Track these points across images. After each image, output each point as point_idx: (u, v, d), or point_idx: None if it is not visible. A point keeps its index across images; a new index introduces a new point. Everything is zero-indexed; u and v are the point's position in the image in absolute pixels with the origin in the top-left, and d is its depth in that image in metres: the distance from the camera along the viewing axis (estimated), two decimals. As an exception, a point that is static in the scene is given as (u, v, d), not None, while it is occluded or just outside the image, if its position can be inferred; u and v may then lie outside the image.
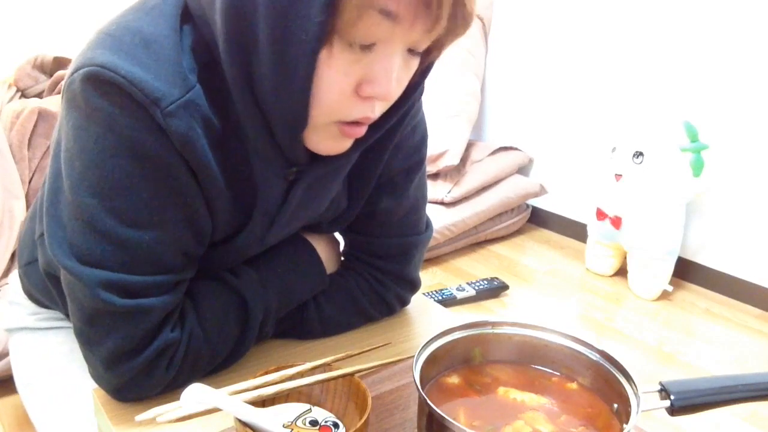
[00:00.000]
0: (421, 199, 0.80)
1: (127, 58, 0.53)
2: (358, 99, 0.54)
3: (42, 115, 1.84)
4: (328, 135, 0.58)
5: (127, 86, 0.52)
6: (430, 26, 0.50)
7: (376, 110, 0.56)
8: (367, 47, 0.50)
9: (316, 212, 0.72)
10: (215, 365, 0.67)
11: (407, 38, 0.51)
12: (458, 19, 0.51)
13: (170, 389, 0.63)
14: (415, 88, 0.61)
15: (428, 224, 0.83)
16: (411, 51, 0.54)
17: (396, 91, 0.56)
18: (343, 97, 0.53)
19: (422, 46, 0.54)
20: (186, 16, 0.57)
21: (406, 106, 0.62)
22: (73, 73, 0.54)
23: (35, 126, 1.84)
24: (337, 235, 0.83)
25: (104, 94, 0.53)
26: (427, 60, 0.58)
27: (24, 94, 1.93)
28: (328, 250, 0.78)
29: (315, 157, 0.62)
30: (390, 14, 0.48)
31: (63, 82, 0.57)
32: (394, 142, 0.72)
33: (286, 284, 0.72)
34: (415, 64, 0.56)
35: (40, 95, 1.94)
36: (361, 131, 0.58)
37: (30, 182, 1.86)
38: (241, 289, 0.67)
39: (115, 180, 0.55)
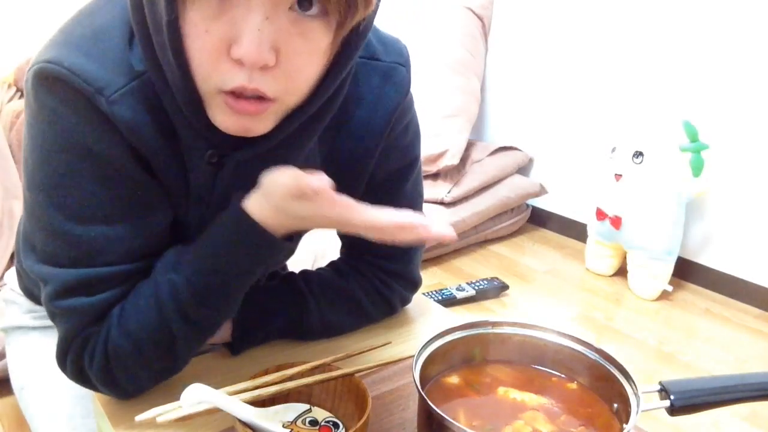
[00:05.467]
0: (419, 197, 0.79)
1: (74, 50, 0.53)
2: (232, 64, 0.49)
3: (42, 115, 1.84)
4: (219, 109, 0.54)
5: (70, 77, 0.52)
6: None
7: (256, 79, 0.50)
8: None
9: None
10: (158, 360, 0.62)
11: None
12: None
13: (113, 385, 0.62)
14: (340, 69, 0.55)
15: None
16: (297, 10, 0.49)
17: (287, 59, 0.50)
18: (211, 58, 0.50)
19: (308, 5, 0.49)
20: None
21: (331, 90, 0.57)
22: (27, 72, 0.55)
23: (35, 126, 1.84)
24: (335, 236, 0.82)
25: (50, 90, 0.53)
26: (339, 35, 0.52)
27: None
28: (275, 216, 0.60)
29: (241, 142, 0.59)
30: None
31: None
32: (380, 147, 0.70)
33: (205, 262, 0.60)
34: (313, 30, 0.50)
35: (40, 95, 1.94)
36: (250, 107, 0.52)
37: (30, 182, 1.86)
38: (155, 273, 0.62)
39: (60, 175, 0.56)
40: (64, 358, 0.62)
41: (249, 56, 0.48)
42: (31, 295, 0.82)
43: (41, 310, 0.83)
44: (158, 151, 0.57)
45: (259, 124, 0.55)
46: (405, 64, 0.70)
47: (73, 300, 0.58)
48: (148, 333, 0.60)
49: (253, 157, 0.61)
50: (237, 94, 0.51)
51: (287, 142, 0.61)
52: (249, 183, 0.61)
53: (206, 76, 0.51)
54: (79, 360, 0.61)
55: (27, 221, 0.59)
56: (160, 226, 0.62)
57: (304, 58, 0.51)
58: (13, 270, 0.85)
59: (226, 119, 0.54)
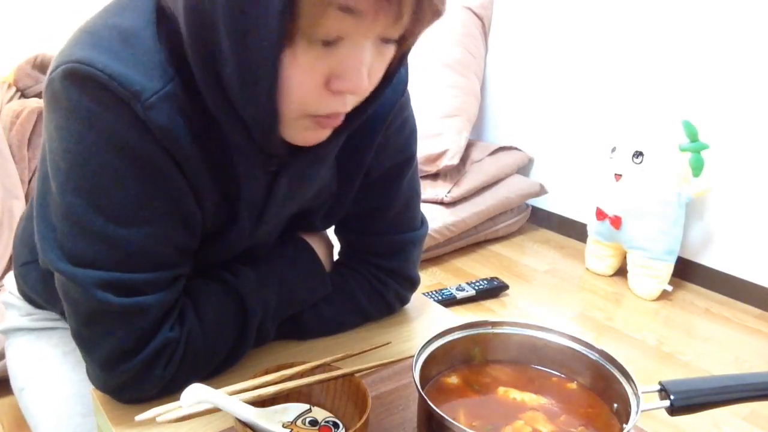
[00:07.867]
0: (415, 195, 0.80)
1: (106, 53, 0.52)
2: (329, 94, 0.52)
3: (42, 116, 1.84)
4: (303, 128, 0.56)
5: (106, 80, 0.51)
6: (393, 19, 0.48)
7: (348, 103, 0.54)
8: (330, 43, 0.49)
9: (303, 199, 0.71)
10: (214, 366, 0.67)
11: (373, 31, 0.49)
12: (425, 8, 0.49)
13: (170, 390, 0.63)
14: (392, 75, 0.58)
15: (423, 221, 0.82)
16: (384, 40, 0.52)
17: (371, 82, 0.54)
18: (311, 94, 0.52)
19: (394, 35, 0.52)
20: (162, 9, 0.56)
21: (384, 94, 0.59)
22: (52, 72, 0.54)
23: (35, 126, 1.84)
24: (333, 237, 0.83)
25: (83, 91, 0.53)
26: (403, 47, 0.55)
27: (24, 94, 1.93)
28: (326, 251, 0.79)
29: (296, 148, 0.61)
30: (350, 10, 0.46)
31: (43, 83, 0.56)
32: (376, 144, 0.71)
33: (285, 283, 0.71)
34: (389, 52, 0.54)
35: (40, 95, 1.94)
36: (338, 120, 0.57)
37: (29, 182, 1.86)
38: (239, 288, 0.67)
39: (100, 178, 0.55)
40: (118, 362, 0.60)
41: (358, 89, 0.52)
42: (29, 299, 0.82)
43: (40, 313, 0.83)
44: (192, 155, 0.57)
45: (329, 131, 0.59)
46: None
47: (125, 299, 0.57)
48: (224, 337, 0.66)
49: (308, 161, 0.64)
50: (329, 115, 0.55)
51: (330, 147, 0.63)
52: (301, 185, 0.68)
53: (302, 107, 0.53)
54: (147, 365, 0.60)
55: (60, 225, 0.58)
56: (198, 228, 0.63)
57: (378, 75, 0.55)
58: (11, 274, 0.85)
59: (311, 135, 0.57)
